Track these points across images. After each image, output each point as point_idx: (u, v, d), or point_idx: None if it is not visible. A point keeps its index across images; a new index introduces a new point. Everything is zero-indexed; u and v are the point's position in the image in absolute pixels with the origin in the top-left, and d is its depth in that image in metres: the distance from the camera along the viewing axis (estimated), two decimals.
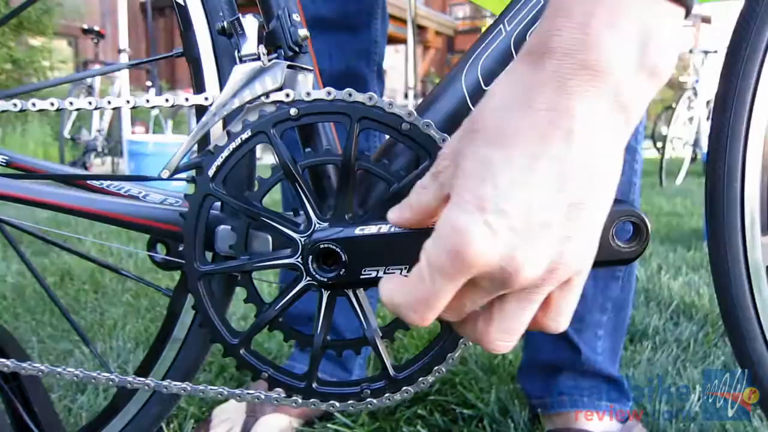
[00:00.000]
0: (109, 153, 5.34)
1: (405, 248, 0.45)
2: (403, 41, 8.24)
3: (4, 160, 0.67)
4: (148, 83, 5.32)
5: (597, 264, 0.48)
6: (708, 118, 5.20)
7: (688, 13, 0.37)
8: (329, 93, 0.50)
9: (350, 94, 0.49)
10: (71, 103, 0.52)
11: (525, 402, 0.97)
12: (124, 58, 3.96)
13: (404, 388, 0.54)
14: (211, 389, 0.56)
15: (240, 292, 0.58)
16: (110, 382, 0.57)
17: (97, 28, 5.28)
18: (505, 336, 0.39)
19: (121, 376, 0.57)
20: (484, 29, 0.54)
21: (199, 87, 0.57)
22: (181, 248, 0.62)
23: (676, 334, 1.34)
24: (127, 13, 4.14)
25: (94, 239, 2.11)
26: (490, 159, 0.35)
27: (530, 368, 0.97)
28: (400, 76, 9.29)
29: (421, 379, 0.54)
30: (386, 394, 0.55)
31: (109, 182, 0.63)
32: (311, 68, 0.52)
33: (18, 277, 1.87)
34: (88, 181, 0.62)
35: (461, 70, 0.52)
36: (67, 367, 0.57)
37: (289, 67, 0.51)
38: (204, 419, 0.97)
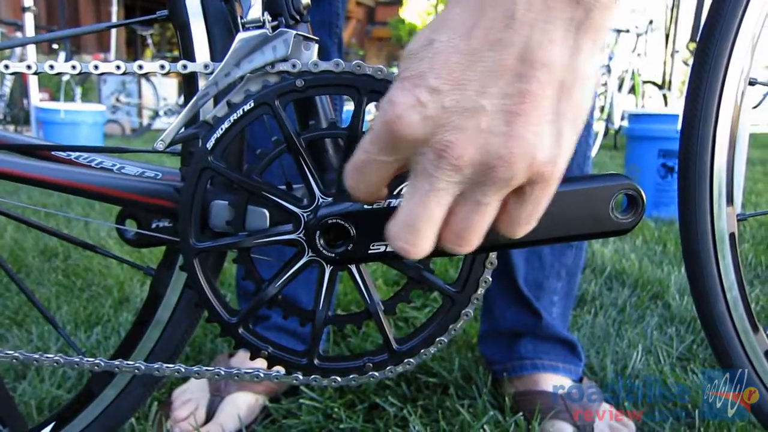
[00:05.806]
0: (12, 121, 4.93)
1: None
2: None
3: None
4: (55, 46, 4.94)
5: (598, 235, 0.51)
6: (619, 90, 5.49)
7: None
8: (337, 65, 0.48)
9: (359, 66, 0.48)
10: (95, 67, 0.48)
11: (486, 368, 1.01)
12: (29, 17, 3.63)
13: (406, 360, 0.55)
14: (207, 370, 0.55)
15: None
16: (96, 367, 0.54)
17: None
18: (458, 239, 0.38)
19: (108, 360, 0.54)
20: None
21: (187, 53, 0.53)
22: (155, 224, 0.59)
23: (611, 299, 1.43)
24: None
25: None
26: (431, 40, 0.34)
27: (491, 335, 1.01)
28: None
29: (423, 350, 0.55)
30: (388, 367, 0.55)
31: (77, 154, 0.59)
32: (317, 38, 0.50)
33: None
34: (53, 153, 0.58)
35: None
36: (44, 354, 0.54)
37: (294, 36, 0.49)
38: (164, 401, 0.94)
